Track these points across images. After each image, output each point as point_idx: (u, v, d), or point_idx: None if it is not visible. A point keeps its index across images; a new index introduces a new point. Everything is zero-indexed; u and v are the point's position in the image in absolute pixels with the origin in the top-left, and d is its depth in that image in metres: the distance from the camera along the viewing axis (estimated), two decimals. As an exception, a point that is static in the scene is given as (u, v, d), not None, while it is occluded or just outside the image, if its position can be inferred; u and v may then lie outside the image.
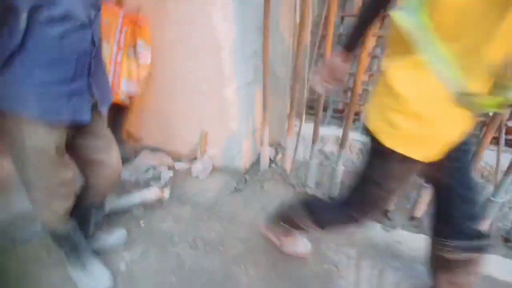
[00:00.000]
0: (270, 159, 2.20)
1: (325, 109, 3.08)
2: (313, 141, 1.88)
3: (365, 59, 1.56)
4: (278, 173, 2.06)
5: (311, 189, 1.98)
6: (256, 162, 2.29)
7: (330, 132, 2.69)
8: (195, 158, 2.21)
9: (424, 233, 1.70)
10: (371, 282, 1.41)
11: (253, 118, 2.15)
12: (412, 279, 1.41)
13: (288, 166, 2.07)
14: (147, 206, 1.85)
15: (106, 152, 1.31)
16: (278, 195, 1.93)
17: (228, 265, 1.49)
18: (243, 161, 2.17)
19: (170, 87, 2.03)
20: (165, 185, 2.03)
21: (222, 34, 1.68)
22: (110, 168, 1.33)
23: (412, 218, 1.87)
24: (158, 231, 1.69)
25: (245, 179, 2.13)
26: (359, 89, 1.63)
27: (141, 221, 1.75)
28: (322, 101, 1.74)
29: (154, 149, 2.34)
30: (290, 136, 1.95)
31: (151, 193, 1.89)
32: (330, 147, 2.65)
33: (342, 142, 1.78)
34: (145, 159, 2.26)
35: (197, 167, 2.15)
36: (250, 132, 2.17)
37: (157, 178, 2.14)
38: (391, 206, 1.85)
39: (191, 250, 1.58)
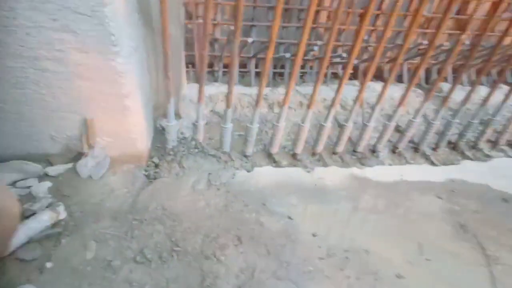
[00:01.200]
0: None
1: (210, 66, 2.91)
2: (227, 105, 1.77)
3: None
4: (193, 147, 1.86)
5: (231, 154, 1.93)
6: (156, 140, 1.97)
7: (216, 90, 2.62)
8: (79, 155, 1.66)
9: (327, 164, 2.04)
10: (320, 217, 1.61)
11: (148, 89, 1.77)
12: (339, 204, 1.71)
13: (201, 136, 1.90)
14: (42, 241, 1.31)
15: None
16: (204, 169, 1.78)
17: (197, 262, 1.32)
18: (145, 142, 1.82)
19: (14, 66, 1.35)
20: (52, 203, 1.47)
21: (100, -18, 1.20)
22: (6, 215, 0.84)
23: (313, 154, 2.19)
24: (82, 263, 1.26)
25: (154, 163, 1.82)
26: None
27: (47, 263, 1.24)
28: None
29: (2, 161, 1.58)
30: (201, 102, 1.75)
31: (40, 221, 1.33)
32: (222, 106, 2.60)
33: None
34: (-9, 177, 1.51)
35: (86, 164, 1.64)
36: (146, 106, 1.80)
37: (28, 197, 1.51)
38: (299, 149, 2.08)
39: (143, 266, 1.28)
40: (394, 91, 3.05)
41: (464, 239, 1.56)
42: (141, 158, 1.81)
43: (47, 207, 1.44)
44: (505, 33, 1.85)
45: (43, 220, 1.32)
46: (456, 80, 1.99)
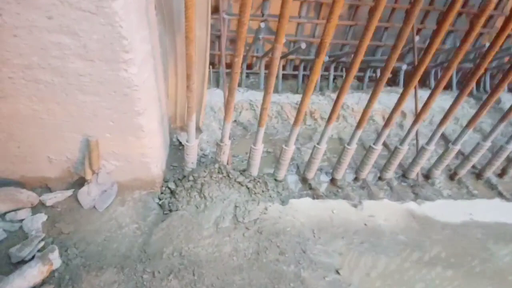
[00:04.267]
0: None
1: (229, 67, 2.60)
2: (260, 123, 1.44)
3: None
4: (216, 171, 1.54)
5: (261, 180, 1.61)
6: (171, 157, 1.68)
7: (240, 96, 2.30)
8: (81, 180, 1.38)
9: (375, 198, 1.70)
10: (377, 274, 1.28)
11: (164, 100, 1.47)
12: (399, 254, 1.38)
13: (225, 158, 1.58)
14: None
15: None
16: (230, 200, 1.47)
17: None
18: (160, 165, 1.52)
19: (0, 76, 1.06)
20: (45, 246, 1.19)
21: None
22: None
23: (356, 179, 1.85)
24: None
25: (170, 189, 1.52)
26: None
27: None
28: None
29: (-12, 185, 1.31)
30: (228, 121, 1.43)
31: (27, 277, 1.04)
32: (246, 115, 2.28)
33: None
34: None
35: (89, 193, 1.36)
36: (162, 121, 1.50)
37: (18, 235, 1.23)
38: (339, 175, 1.75)
39: None
40: (443, 100, 2.66)
41: None
42: (155, 183, 1.52)
43: (39, 250, 1.16)
44: None
45: (31, 275, 1.04)
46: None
